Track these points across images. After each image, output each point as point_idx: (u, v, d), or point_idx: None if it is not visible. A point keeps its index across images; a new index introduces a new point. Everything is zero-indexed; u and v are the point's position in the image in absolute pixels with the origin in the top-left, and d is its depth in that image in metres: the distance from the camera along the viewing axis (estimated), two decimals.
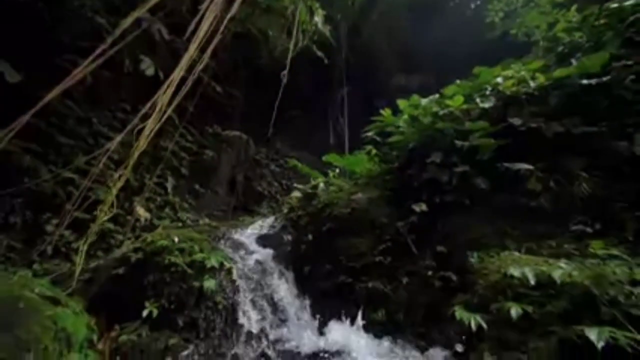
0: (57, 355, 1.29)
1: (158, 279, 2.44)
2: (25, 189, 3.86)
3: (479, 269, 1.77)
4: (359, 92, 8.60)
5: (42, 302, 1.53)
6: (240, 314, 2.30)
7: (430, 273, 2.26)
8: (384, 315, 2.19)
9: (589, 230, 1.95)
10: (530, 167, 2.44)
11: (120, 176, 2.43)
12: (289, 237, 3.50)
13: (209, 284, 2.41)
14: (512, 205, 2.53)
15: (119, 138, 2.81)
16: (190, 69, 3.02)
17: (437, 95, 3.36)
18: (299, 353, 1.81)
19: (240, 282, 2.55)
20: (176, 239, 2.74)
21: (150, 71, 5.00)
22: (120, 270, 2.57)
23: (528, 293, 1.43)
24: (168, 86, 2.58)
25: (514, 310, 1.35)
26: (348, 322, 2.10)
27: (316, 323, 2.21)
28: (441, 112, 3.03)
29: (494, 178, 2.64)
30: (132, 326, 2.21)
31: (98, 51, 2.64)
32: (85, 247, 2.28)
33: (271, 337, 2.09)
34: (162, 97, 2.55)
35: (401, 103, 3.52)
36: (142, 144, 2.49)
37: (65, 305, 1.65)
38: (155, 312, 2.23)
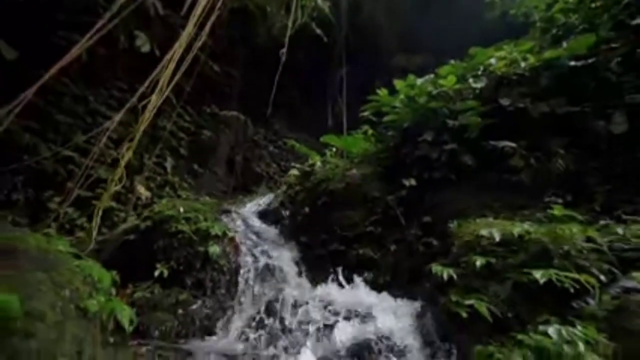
0: (87, 295, 1.54)
1: (167, 244, 2.69)
2: (26, 167, 4.02)
3: (457, 233, 2.01)
4: (358, 73, 8.58)
5: (67, 255, 1.76)
6: (242, 275, 2.57)
7: (415, 240, 2.52)
8: (372, 277, 2.47)
9: (560, 201, 2.18)
10: (514, 144, 2.63)
11: (128, 148, 2.60)
12: (287, 212, 3.74)
13: (214, 249, 2.66)
14: (496, 181, 2.75)
15: (118, 116, 2.94)
16: (187, 47, 3.10)
17: (432, 75, 3.48)
18: (295, 301, 2.09)
19: (242, 249, 2.81)
20: (182, 209, 2.97)
21: (145, 48, 5.02)
22: (131, 237, 2.81)
23: (493, 249, 1.67)
24: (169, 61, 2.70)
25: (479, 262, 1.59)
26: (338, 281, 2.37)
27: (311, 283, 2.49)
28: (435, 92, 3.18)
29: (480, 155, 2.84)
30: (145, 285, 2.49)
31: (96, 27, 2.71)
32: (100, 212, 2.50)
33: (270, 294, 2.37)
34: (164, 72, 2.67)
35: (398, 83, 3.64)
36: (148, 117, 2.64)
37: (86, 260, 1.89)
38: (165, 273, 2.49)
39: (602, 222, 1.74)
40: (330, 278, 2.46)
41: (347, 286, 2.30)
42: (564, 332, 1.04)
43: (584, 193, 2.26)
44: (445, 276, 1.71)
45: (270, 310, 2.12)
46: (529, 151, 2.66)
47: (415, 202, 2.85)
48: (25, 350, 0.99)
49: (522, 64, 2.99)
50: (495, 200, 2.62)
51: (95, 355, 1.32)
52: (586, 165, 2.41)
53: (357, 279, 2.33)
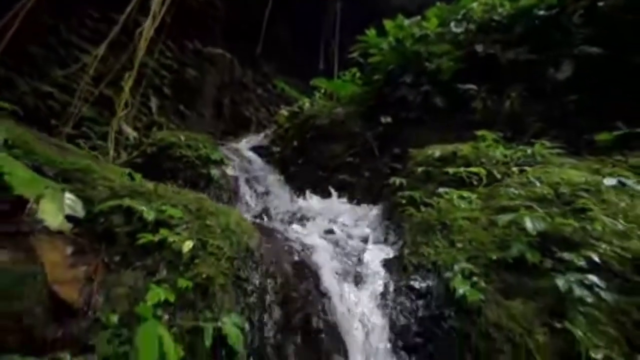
0: None
1: (173, 167, 3.30)
2: (6, 101, 4.31)
3: (414, 155, 2.70)
4: (356, 11, 8.40)
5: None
6: (240, 193, 3.27)
7: (385, 167, 3.23)
8: (349, 195, 3.22)
9: (500, 134, 2.86)
10: (476, 87, 3.21)
11: (129, 76, 3.00)
12: (277, 148, 4.35)
13: (215, 171, 3.30)
14: (459, 121, 3.38)
15: (101, 49, 3.18)
16: None
17: (419, 17, 3.82)
18: (285, 210, 2.85)
19: (239, 173, 3.47)
20: (182, 137, 3.52)
21: None
22: (139, 160, 3.39)
23: (434, 162, 2.38)
24: None
25: (420, 171, 2.31)
26: (318, 196, 3.12)
27: (297, 198, 3.24)
28: (418, 34, 3.57)
29: (450, 97, 3.41)
30: None
31: None
32: (114, 135, 3.02)
33: (262, 205, 3.10)
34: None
35: (387, 24, 3.96)
36: (143, 45, 2.98)
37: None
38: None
39: (520, 146, 2.45)
40: (312, 195, 3.20)
41: (325, 200, 3.05)
42: (454, 195, 1.79)
43: (522, 129, 2.94)
44: (397, 183, 2.44)
45: (264, 214, 2.87)
46: (489, 94, 3.25)
47: (390, 137, 3.50)
48: None
49: (500, 10, 3.38)
50: (455, 137, 3.29)
51: None
52: (530, 108, 3.05)
53: (334, 195, 3.08)
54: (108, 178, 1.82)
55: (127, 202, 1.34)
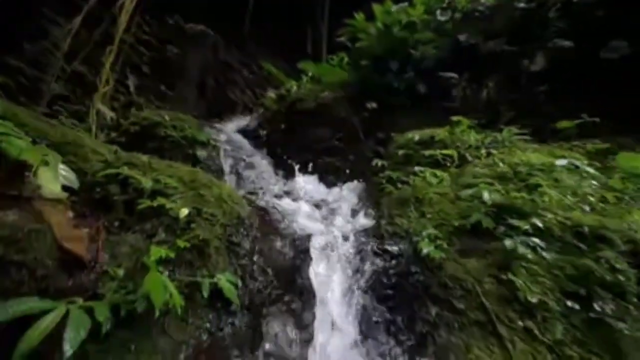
0: None
1: (158, 146, 3.33)
2: None
3: (396, 139, 2.90)
4: None
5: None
6: (227, 174, 3.37)
7: (369, 151, 3.42)
8: (335, 177, 3.40)
9: (476, 121, 3.10)
10: (457, 76, 3.41)
11: (110, 52, 2.97)
12: (264, 131, 4.43)
13: (201, 152, 3.37)
14: (442, 107, 3.60)
15: (75, 22, 3.08)
16: None
17: (406, 4, 3.93)
18: (273, 190, 2.99)
19: (226, 155, 3.56)
20: (167, 117, 3.53)
21: None
22: (122, 139, 3.39)
23: (413, 146, 2.58)
24: None
25: (401, 153, 2.51)
26: (304, 177, 3.28)
27: (283, 179, 3.39)
28: (405, 21, 3.70)
29: (433, 85, 3.61)
30: None
31: None
32: (95, 113, 3.00)
33: (251, 186, 3.23)
34: None
35: (376, 8, 4.04)
36: (124, 19, 2.94)
37: None
38: None
39: (491, 132, 2.69)
40: (300, 175, 3.36)
41: (312, 180, 3.22)
42: (427, 174, 2.01)
43: (496, 117, 3.20)
44: (379, 164, 2.63)
45: (253, 194, 3.01)
46: (469, 83, 3.47)
47: (375, 122, 3.67)
48: None
49: (483, 1, 3.56)
50: (436, 123, 3.51)
51: None
52: (505, 97, 3.31)
53: (319, 177, 3.25)
54: (98, 152, 1.90)
55: (125, 171, 1.45)
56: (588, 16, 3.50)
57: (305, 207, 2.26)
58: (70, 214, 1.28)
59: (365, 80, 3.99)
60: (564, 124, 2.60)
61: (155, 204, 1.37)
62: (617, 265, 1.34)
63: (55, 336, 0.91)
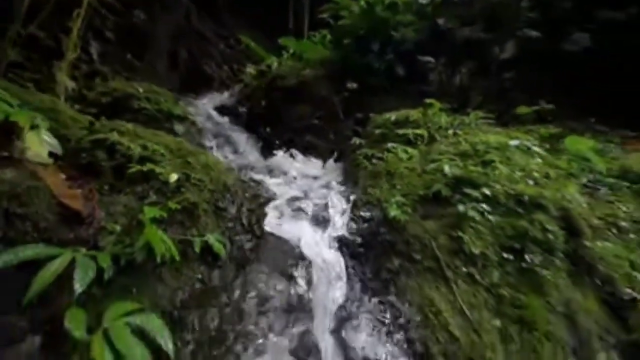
0: None
1: (132, 119, 3.28)
2: None
3: (374, 119, 3.12)
4: None
5: None
6: (207, 149, 3.44)
7: (348, 130, 3.63)
8: (315, 155, 3.59)
9: (448, 105, 3.39)
10: (434, 60, 3.66)
11: (78, 15, 2.86)
12: (244, 108, 4.48)
13: (179, 127, 3.39)
14: (418, 90, 3.85)
15: None
16: None
17: None
18: (252, 167, 3.14)
19: (205, 131, 3.61)
20: (140, 89, 3.49)
21: None
22: (93, 110, 3.33)
23: (390, 125, 2.82)
24: None
25: (377, 132, 2.74)
26: (284, 155, 3.45)
27: (264, 157, 3.53)
28: (387, 1, 3.84)
29: (411, 68, 3.83)
30: None
31: None
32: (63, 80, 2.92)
33: (232, 163, 3.35)
34: None
35: None
36: None
37: None
38: None
39: (460, 115, 2.99)
40: (279, 153, 3.52)
41: (294, 158, 3.40)
42: (399, 150, 2.26)
43: (467, 102, 3.51)
44: (357, 142, 2.86)
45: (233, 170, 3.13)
46: (445, 68, 3.74)
47: (354, 102, 3.86)
48: None
49: None
50: (412, 105, 3.77)
51: None
52: (476, 83, 3.62)
53: (299, 155, 3.43)
54: (77, 119, 1.95)
55: (115, 137, 1.54)
56: (556, 7, 3.84)
57: (286, 181, 2.45)
58: (62, 175, 1.38)
59: (346, 59, 4.13)
60: (522, 109, 2.95)
61: (145, 168, 1.50)
62: (548, 227, 1.69)
63: (64, 278, 1.06)
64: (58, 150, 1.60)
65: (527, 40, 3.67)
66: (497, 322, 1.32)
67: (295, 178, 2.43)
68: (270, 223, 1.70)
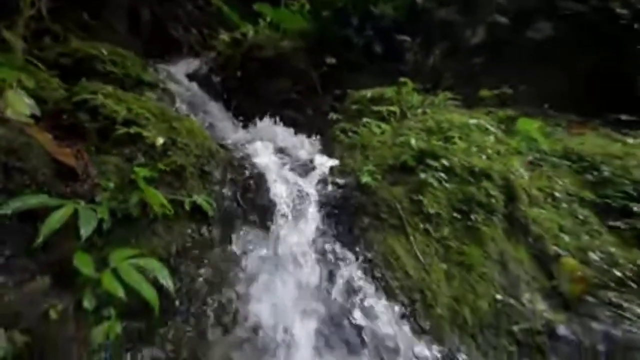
0: None
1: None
2: None
3: (351, 95, 3.33)
4: None
5: None
6: None
7: (326, 105, 3.82)
8: (293, 130, 3.75)
9: (421, 85, 3.68)
10: (410, 40, 3.89)
11: None
12: (218, 78, 4.45)
13: (149, 94, 3.36)
14: (395, 69, 4.09)
15: None
16: None
17: None
18: (231, 137, 3.25)
19: (178, 100, 3.60)
20: (104, 51, 3.37)
21: None
22: (52, 72, 3.19)
23: (366, 102, 3.06)
24: None
25: (354, 108, 2.97)
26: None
27: (241, 127, 3.64)
28: None
29: (389, 46, 4.04)
30: None
31: None
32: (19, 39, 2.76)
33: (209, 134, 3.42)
34: None
35: None
36: None
37: None
38: None
39: (430, 95, 3.29)
40: (257, 126, 3.64)
41: (272, 129, 3.54)
42: (373, 125, 2.53)
43: (438, 83, 3.83)
44: (335, 117, 3.08)
45: None
46: (421, 48, 3.99)
47: (333, 78, 4.03)
48: None
49: None
50: (389, 83, 4.02)
51: None
52: (448, 65, 3.94)
53: (280, 128, 3.58)
54: (50, 80, 1.96)
55: (99, 99, 1.62)
56: None
57: (266, 151, 2.62)
58: (49, 135, 1.46)
59: (325, 32, 4.23)
60: (485, 93, 3.33)
61: (132, 131, 1.61)
62: (492, 192, 2.07)
63: (69, 227, 1.21)
64: (36, 111, 1.64)
65: (496, 26, 4.01)
66: (444, 266, 1.68)
67: (276, 150, 2.61)
68: (252, 187, 1.90)
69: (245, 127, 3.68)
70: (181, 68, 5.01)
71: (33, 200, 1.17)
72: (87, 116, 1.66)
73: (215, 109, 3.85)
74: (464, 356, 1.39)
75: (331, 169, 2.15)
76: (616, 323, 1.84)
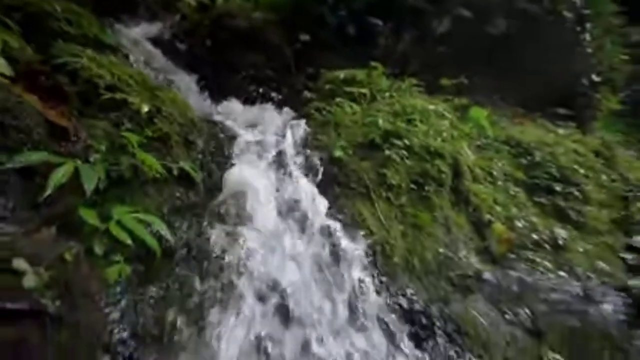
0: None
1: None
2: None
3: (325, 75, 3.58)
4: None
5: None
6: None
7: (300, 84, 4.02)
8: (269, 107, 3.90)
9: (390, 70, 4.04)
10: (382, 24, 4.19)
11: None
12: (184, 46, 4.38)
13: (112, 58, 3.28)
14: (367, 52, 4.37)
15: None
16: None
17: None
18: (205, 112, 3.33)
19: (143, 68, 3.54)
20: (58, 7, 3.18)
21: None
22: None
23: (339, 83, 3.34)
24: None
25: (327, 88, 3.24)
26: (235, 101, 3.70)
27: (213, 102, 3.71)
28: None
29: (362, 28, 4.30)
30: None
31: None
32: None
33: None
34: None
35: None
36: None
37: None
38: None
39: (397, 81, 3.67)
40: (229, 101, 3.74)
41: (246, 106, 3.67)
42: (345, 105, 2.84)
43: (406, 69, 4.23)
44: (309, 96, 3.32)
45: None
46: (392, 33, 4.32)
47: (306, 57, 4.22)
48: None
49: None
50: (361, 66, 4.32)
51: None
52: (415, 52, 4.34)
53: (255, 106, 3.72)
54: (12, 37, 1.94)
55: (84, 62, 1.69)
56: None
57: (241, 125, 2.81)
58: (34, 96, 1.53)
59: (299, 6, 4.35)
60: (444, 81, 3.79)
61: (118, 97, 1.72)
62: (443, 169, 2.52)
63: (70, 182, 1.35)
64: (7, 71, 1.67)
65: (460, 18, 4.46)
66: (401, 227, 2.10)
67: (254, 125, 2.80)
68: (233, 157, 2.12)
69: (216, 102, 3.75)
70: (140, 31, 4.80)
71: (35, 157, 1.29)
72: (66, 79, 1.72)
73: (182, 79, 3.84)
74: (411, 291, 1.82)
75: (306, 145, 2.44)
76: (529, 273, 2.44)
